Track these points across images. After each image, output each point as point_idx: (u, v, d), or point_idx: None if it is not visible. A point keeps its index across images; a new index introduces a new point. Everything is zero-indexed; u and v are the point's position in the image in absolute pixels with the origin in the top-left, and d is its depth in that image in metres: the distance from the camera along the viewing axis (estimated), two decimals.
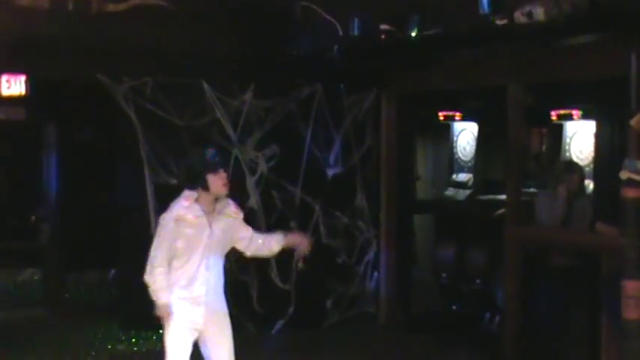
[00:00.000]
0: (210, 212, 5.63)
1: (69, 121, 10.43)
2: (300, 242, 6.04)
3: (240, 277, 9.11)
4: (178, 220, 5.58)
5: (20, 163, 11.00)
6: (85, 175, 10.47)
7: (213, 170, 5.60)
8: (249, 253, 5.95)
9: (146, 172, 8.72)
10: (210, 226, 5.61)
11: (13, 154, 11.06)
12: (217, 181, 5.60)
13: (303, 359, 8.42)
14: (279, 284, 9.33)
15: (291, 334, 9.20)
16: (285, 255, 9.13)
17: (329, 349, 8.88)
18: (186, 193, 5.66)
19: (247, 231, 5.87)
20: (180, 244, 5.57)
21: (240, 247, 5.89)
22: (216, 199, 5.67)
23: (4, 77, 9.66)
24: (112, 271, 11.03)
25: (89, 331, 9.38)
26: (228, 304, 5.79)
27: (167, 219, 5.61)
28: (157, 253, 5.59)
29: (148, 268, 5.61)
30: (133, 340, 8.90)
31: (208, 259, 5.61)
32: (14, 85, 9.66)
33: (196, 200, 5.61)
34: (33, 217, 10.65)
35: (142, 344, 8.69)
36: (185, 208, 5.60)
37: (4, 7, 8.03)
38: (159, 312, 5.63)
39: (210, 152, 5.72)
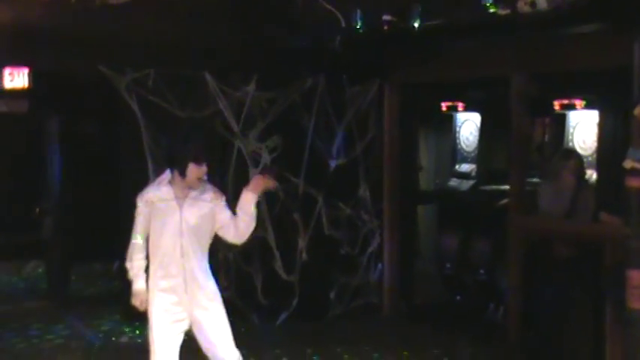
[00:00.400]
0: (183, 197, 5.49)
1: (72, 113, 10.42)
2: (259, 182, 5.65)
3: (245, 268, 9.11)
4: (148, 203, 5.49)
5: (23, 155, 11.01)
6: (88, 167, 10.47)
7: (197, 161, 5.46)
8: (239, 239, 5.69)
9: (149, 163, 8.71)
10: (180, 211, 5.47)
11: (16, 147, 11.07)
12: (195, 173, 5.46)
13: (307, 350, 8.41)
14: (284, 276, 9.31)
15: (296, 325, 9.20)
16: (289, 247, 9.27)
17: (333, 340, 8.87)
18: (163, 176, 5.59)
19: (226, 217, 5.60)
20: (152, 228, 5.51)
21: (222, 234, 5.67)
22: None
23: (7, 70, 9.67)
24: (116, 263, 11.01)
25: (93, 323, 9.40)
26: (230, 292, 5.72)
27: (138, 201, 5.55)
28: (133, 237, 5.57)
29: (128, 253, 5.59)
30: (137, 331, 8.91)
31: (182, 246, 5.48)
32: (17, 78, 9.67)
33: (169, 182, 5.51)
34: (37, 210, 10.64)
35: (146, 336, 8.67)
36: (155, 190, 5.53)
37: (7, 0, 8.01)
38: (134, 300, 5.58)
39: (198, 141, 5.58)
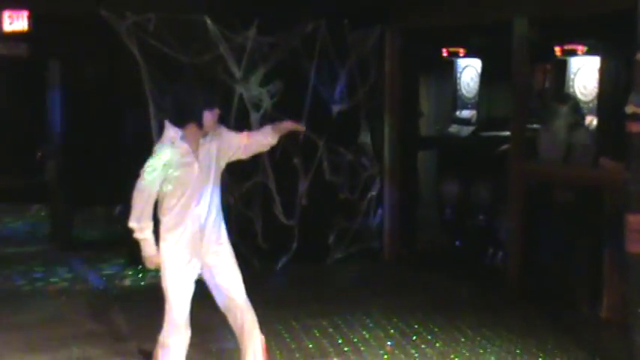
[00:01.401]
0: (196, 148, 5.35)
1: (73, 57, 10.28)
2: (290, 127, 5.73)
3: (245, 213, 9.09)
4: (167, 165, 5.27)
5: (25, 99, 10.91)
6: (90, 111, 10.39)
7: (210, 106, 5.35)
8: (246, 156, 5.73)
9: (150, 108, 8.62)
10: (197, 161, 5.34)
11: (17, 91, 10.98)
12: (210, 119, 5.34)
13: (308, 293, 8.42)
14: (284, 220, 9.29)
15: (296, 269, 9.21)
16: (289, 192, 9.23)
17: (333, 284, 8.90)
18: (170, 133, 5.35)
19: (240, 139, 5.58)
20: (169, 187, 5.32)
21: (238, 157, 5.66)
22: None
23: (7, 13, 9.54)
24: (118, 207, 11.00)
25: (96, 266, 9.41)
26: (230, 236, 5.64)
27: (155, 165, 5.27)
28: (143, 202, 5.29)
29: (134, 215, 5.31)
30: (140, 275, 8.93)
31: (199, 193, 5.36)
32: (17, 21, 9.55)
33: (182, 138, 5.32)
34: (39, 154, 10.58)
35: (149, 279, 8.71)
36: (173, 150, 5.29)
37: None
38: (148, 263, 5.42)
39: (207, 87, 5.46)
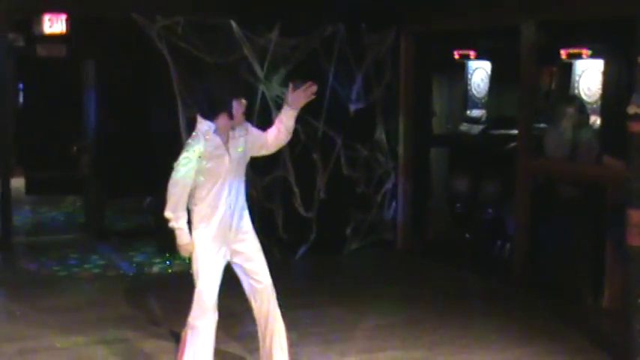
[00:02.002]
0: (227, 141, 5.39)
1: (107, 57, 10.35)
2: (302, 96, 5.53)
3: (266, 205, 9.14)
4: (200, 157, 5.30)
5: (62, 97, 10.97)
6: (122, 109, 10.43)
7: (237, 96, 5.40)
8: (273, 149, 5.71)
9: (179, 106, 8.68)
10: (228, 153, 5.38)
11: (55, 89, 11.04)
12: (239, 109, 5.39)
13: (326, 281, 8.47)
14: (303, 212, 9.34)
15: (314, 258, 9.26)
16: (308, 186, 9.28)
17: (349, 272, 8.94)
18: (204, 127, 5.37)
19: (263, 136, 5.60)
20: (201, 178, 5.34)
21: (264, 153, 5.70)
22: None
23: (47, 16, 9.63)
24: (148, 199, 11.09)
25: (127, 254, 9.49)
26: (253, 227, 5.67)
27: (190, 157, 5.29)
28: (178, 193, 5.30)
29: (170, 206, 5.32)
30: (168, 262, 9.00)
31: (230, 184, 5.40)
32: (56, 24, 9.63)
33: (214, 132, 5.36)
34: (74, 148, 10.65)
35: (176, 266, 8.78)
36: (206, 142, 5.32)
37: None
38: (182, 251, 5.42)
39: (232, 79, 5.49)
